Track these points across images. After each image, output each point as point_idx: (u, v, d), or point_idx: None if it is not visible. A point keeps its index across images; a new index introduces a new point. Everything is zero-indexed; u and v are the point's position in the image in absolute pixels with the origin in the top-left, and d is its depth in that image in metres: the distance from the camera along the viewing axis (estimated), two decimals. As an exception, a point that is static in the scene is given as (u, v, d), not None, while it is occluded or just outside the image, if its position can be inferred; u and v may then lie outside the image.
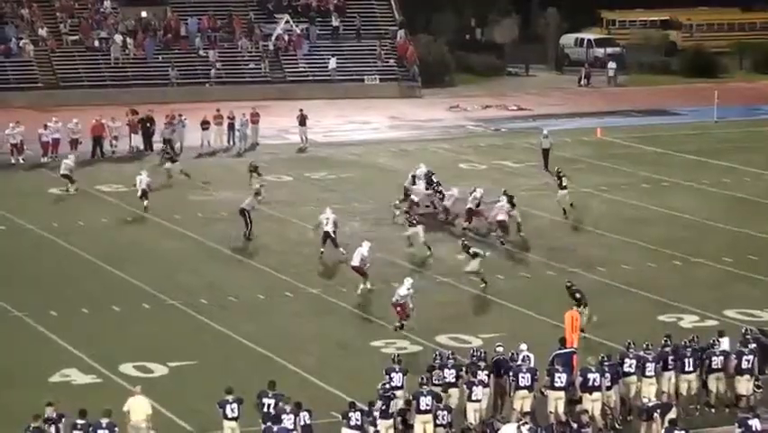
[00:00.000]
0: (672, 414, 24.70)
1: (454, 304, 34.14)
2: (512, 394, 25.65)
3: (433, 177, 43.24)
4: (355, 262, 34.57)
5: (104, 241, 39.45)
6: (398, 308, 31.35)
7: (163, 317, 32.80)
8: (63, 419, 23.20)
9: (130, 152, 53.44)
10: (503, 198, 40.43)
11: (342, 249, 37.32)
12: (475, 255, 35.26)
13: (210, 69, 68.31)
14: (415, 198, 42.37)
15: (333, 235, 37.74)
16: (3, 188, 46.16)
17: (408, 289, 31.47)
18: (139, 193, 43.12)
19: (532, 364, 25.99)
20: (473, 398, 25.20)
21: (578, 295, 31.05)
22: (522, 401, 25.47)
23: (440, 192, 42.70)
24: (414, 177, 43.43)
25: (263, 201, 42.29)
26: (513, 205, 40.37)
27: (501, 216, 39.90)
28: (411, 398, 24.75)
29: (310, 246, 38.72)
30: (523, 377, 25.62)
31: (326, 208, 38.49)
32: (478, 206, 41.21)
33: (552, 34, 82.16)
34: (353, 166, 50.92)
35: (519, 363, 25.97)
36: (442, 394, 25.14)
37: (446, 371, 25.79)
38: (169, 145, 51.45)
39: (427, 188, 42.96)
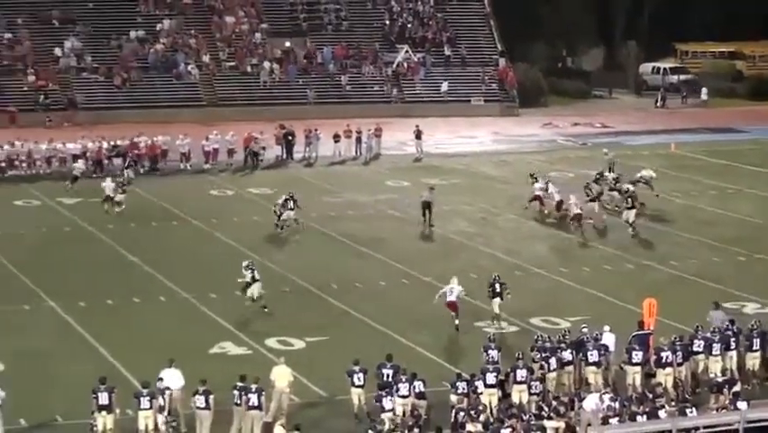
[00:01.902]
0: (737, 388, 24.26)
1: (547, 291, 33.88)
2: (583, 370, 25.42)
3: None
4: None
5: (254, 235, 39.75)
6: (454, 306, 30.37)
7: (301, 300, 32.95)
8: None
9: (275, 160, 53.98)
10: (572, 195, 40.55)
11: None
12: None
13: (341, 91, 68.69)
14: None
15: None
16: (173, 190, 46.66)
17: (460, 288, 30.46)
18: (103, 197, 42.15)
19: (604, 343, 25.73)
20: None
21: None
22: (594, 376, 25.19)
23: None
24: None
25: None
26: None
27: (576, 210, 39.78)
28: (509, 370, 24.61)
29: (425, 241, 38.70)
30: (591, 354, 25.34)
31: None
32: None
33: (632, 63, 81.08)
34: (461, 174, 50.79)
35: (588, 341, 25.69)
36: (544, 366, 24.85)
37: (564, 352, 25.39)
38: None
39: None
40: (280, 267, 35.73)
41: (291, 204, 40.22)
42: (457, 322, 30.22)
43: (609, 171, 45.55)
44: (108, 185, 42.76)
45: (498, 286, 30.78)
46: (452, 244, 39.30)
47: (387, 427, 22.47)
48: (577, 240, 39.53)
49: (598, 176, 44.34)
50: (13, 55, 65.94)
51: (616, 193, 42.98)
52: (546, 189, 42.51)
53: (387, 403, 23.31)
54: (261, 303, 31.27)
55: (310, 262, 36.59)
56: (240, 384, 23.31)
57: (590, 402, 23.27)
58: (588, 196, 41.98)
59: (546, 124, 65.64)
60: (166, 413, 22.86)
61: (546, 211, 42.11)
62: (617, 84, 79.10)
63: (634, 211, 40.17)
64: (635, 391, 24.68)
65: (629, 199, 40.57)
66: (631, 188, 42.19)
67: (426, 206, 40.98)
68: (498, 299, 30.66)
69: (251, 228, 40.47)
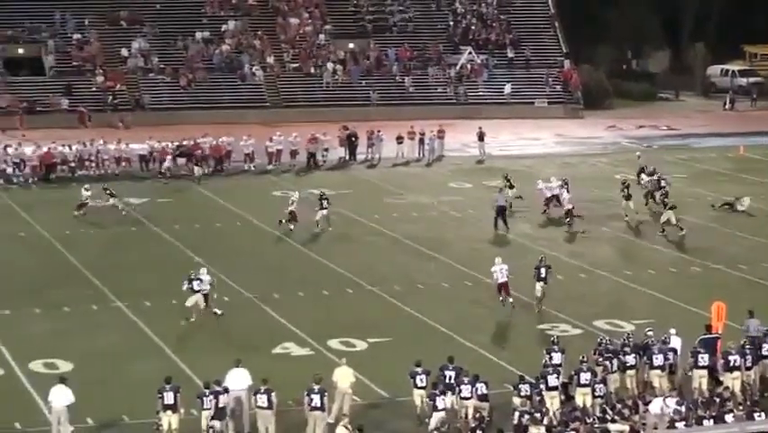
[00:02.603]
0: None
1: (611, 294, 33.62)
2: (647, 374, 25.18)
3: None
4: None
5: (316, 235, 39.87)
6: (506, 288, 31.17)
7: (364, 301, 32.99)
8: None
9: (338, 161, 54.16)
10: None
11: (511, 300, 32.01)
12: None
13: (404, 92, 68.72)
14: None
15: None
16: (237, 191, 46.87)
17: (505, 266, 31.34)
18: (79, 203, 41.66)
19: (672, 346, 25.46)
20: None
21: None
22: (659, 379, 24.94)
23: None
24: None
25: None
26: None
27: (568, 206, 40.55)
28: (573, 373, 24.45)
29: (488, 243, 38.60)
30: (656, 358, 25.09)
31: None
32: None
33: (699, 65, 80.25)
34: (524, 176, 50.55)
35: (653, 345, 25.44)
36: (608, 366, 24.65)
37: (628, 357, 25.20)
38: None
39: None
40: (343, 268, 35.78)
41: (324, 203, 40.41)
42: (511, 300, 30.62)
43: (641, 175, 45.46)
44: (84, 193, 42.02)
45: (543, 270, 31.09)
46: (515, 246, 39.13)
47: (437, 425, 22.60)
48: (641, 242, 39.15)
49: (639, 174, 44.80)
50: (83, 55, 66.84)
51: (629, 202, 42.20)
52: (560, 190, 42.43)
53: (440, 402, 23.28)
54: (212, 311, 30.42)
55: (373, 264, 36.59)
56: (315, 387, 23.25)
57: (656, 406, 23.06)
58: (623, 193, 41.74)
59: (611, 127, 65.13)
60: (228, 416, 22.97)
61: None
62: (684, 86, 78.29)
63: (672, 212, 39.77)
64: (702, 394, 24.41)
65: (665, 200, 40.85)
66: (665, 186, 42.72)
67: (501, 211, 40.58)
68: (541, 283, 31.04)
69: (313, 228, 40.47)
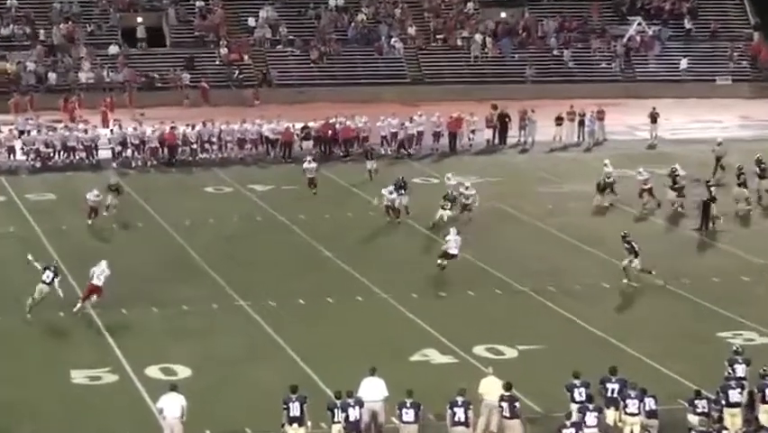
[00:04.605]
0: None
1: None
2: None
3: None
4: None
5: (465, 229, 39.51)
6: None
7: (513, 303, 32.84)
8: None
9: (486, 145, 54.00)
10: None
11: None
12: None
13: (563, 68, 68.23)
14: None
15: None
16: (376, 176, 46.42)
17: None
18: (88, 211, 39.86)
19: None
20: None
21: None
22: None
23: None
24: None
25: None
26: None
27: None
28: (756, 389, 23.91)
29: (657, 238, 38.05)
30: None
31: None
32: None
33: None
34: (702, 164, 49.56)
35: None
36: None
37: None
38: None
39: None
40: (489, 265, 35.65)
41: (402, 190, 40.48)
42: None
43: (717, 168, 45.36)
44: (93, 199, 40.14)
45: (632, 244, 32.55)
46: (688, 241, 38.63)
47: None
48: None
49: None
50: (206, 25, 67.80)
51: (743, 189, 41.90)
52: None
53: (590, 419, 23.01)
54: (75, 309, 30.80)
55: (524, 261, 36.40)
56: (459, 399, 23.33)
57: None
58: (674, 184, 41.98)
59: (804, 108, 63.60)
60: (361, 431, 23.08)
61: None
62: None
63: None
64: None
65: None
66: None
67: (705, 206, 40.00)
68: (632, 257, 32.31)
69: (453, 221, 40.08)
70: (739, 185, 42.00)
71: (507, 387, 23.65)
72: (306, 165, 44.50)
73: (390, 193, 40.44)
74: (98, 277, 31.02)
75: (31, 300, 30.72)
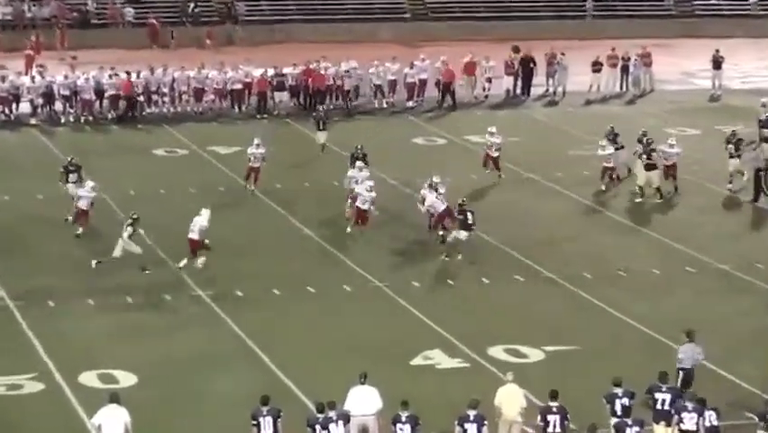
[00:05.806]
0: None
1: None
2: None
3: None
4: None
5: (470, 198, 39.41)
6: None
7: (539, 292, 32.92)
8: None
9: (506, 96, 54.05)
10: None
11: None
12: None
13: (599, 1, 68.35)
14: None
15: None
16: (365, 137, 45.86)
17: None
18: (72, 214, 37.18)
19: None
20: None
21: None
22: None
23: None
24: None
25: None
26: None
27: None
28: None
29: (721, 214, 38.14)
30: None
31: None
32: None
33: None
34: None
35: None
36: None
37: None
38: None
39: None
40: (509, 246, 35.64)
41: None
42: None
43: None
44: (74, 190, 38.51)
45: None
46: (751, 216, 38.66)
47: None
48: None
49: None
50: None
51: None
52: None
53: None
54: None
55: (552, 240, 36.51)
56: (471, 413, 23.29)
57: None
58: (736, 151, 41.74)
59: None
60: None
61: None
62: None
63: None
64: None
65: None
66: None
67: (757, 174, 40.18)
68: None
69: (463, 190, 39.89)
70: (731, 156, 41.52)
71: (553, 395, 23.56)
72: (250, 150, 41.14)
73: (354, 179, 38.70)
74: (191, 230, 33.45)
75: None
